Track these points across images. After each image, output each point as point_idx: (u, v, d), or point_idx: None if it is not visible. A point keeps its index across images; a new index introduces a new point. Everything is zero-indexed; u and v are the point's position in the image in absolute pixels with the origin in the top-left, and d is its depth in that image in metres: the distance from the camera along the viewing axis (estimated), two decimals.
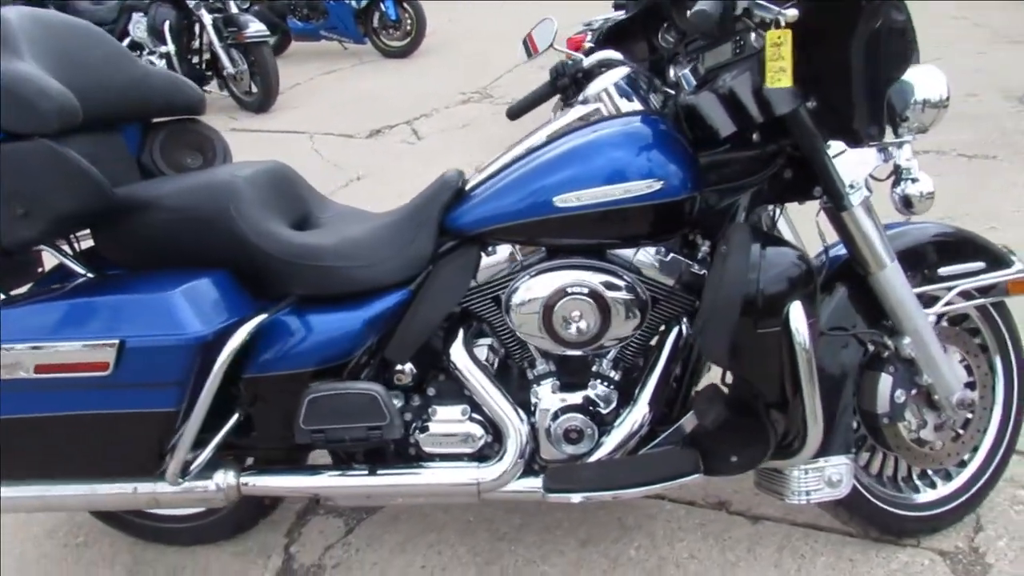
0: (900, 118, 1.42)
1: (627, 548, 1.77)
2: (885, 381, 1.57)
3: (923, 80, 1.40)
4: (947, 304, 1.60)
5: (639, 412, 1.55)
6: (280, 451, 1.69)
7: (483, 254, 1.57)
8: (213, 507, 1.71)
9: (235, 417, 1.58)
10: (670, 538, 1.78)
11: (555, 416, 1.56)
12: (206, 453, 1.54)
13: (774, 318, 1.34)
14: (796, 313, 1.33)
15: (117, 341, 1.38)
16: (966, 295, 1.65)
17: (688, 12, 1.35)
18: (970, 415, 1.66)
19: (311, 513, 1.97)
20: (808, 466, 1.53)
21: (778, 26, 1.24)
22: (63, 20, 1.67)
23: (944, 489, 1.70)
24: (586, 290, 1.47)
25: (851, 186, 1.43)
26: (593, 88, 1.59)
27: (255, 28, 5.54)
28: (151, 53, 5.65)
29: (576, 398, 1.57)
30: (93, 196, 1.44)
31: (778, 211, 1.64)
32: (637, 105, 1.58)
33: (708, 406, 1.47)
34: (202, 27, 5.64)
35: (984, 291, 1.65)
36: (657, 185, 1.42)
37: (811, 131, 1.39)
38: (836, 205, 1.45)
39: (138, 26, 5.65)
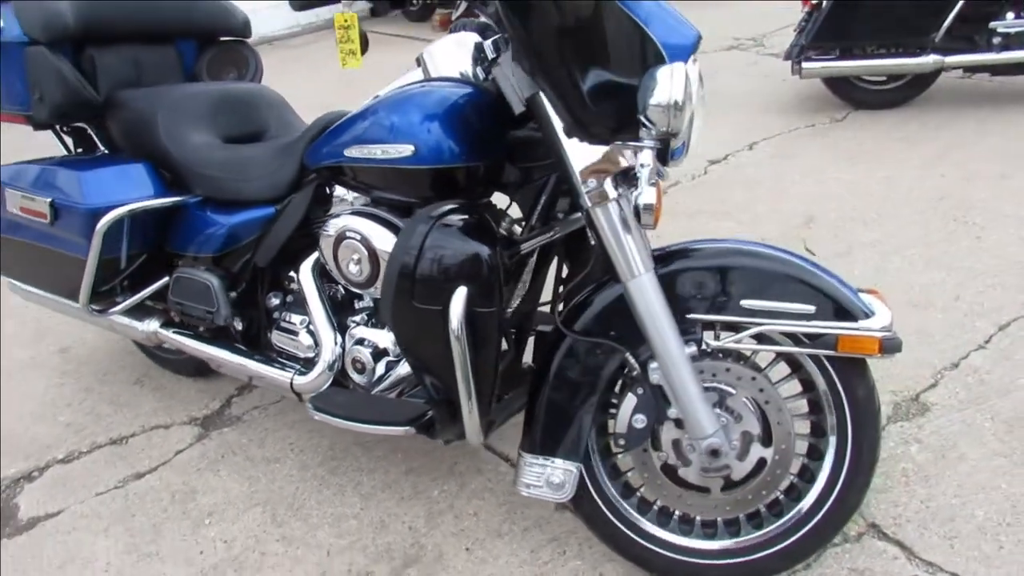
0: (642, 120, 1.27)
1: (434, 488, 1.88)
2: (629, 401, 1.45)
3: (663, 80, 1.23)
4: (745, 341, 1.40)
5: None
6: None
7: (328, 189, 1.76)
8: (145, 344, 2.20)
9: (164, 279, 2.03)
10: (474, 494, 1.85)
11: (354, 345, 1.73)
12: (130, 301, 2.02)
13: (433, 298, 1.35)
14: (457, 299, 1.34)
15: (50, 199, 1.88)
16: (796, 340, 1.41)
17: None
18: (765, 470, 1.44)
19: None
20: (534, 460, 1.50)
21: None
22: None
23: (721, 543, 1.51)
24: (359, 236, 1.59)
25: (588, 184, 1.33)
26: (425, 50, 1.63)
27: None
28: None
29: (372, 335, 1.71)
30: (75, 93, 1.93)
31: None
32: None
33: None
34: None
35: (814, 339, 1.39)
36: (408, 150, 1.47)
37: (546, 119, 1.33)
38: (574, 200, 1.36)
39: None
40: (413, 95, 1.52)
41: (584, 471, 1.51)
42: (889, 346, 1.34)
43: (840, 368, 1.41)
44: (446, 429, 1.51)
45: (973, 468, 1.76)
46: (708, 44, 5.69)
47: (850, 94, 4.01)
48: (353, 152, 1.56)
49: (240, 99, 2.06)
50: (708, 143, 3.83)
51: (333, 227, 1.64)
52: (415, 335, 1.43)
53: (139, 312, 2.07)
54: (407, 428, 1.57)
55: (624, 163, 1.31)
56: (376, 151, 1.51)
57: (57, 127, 2.16)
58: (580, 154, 1.32)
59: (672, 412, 1.42)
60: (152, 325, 2.05)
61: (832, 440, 1.45)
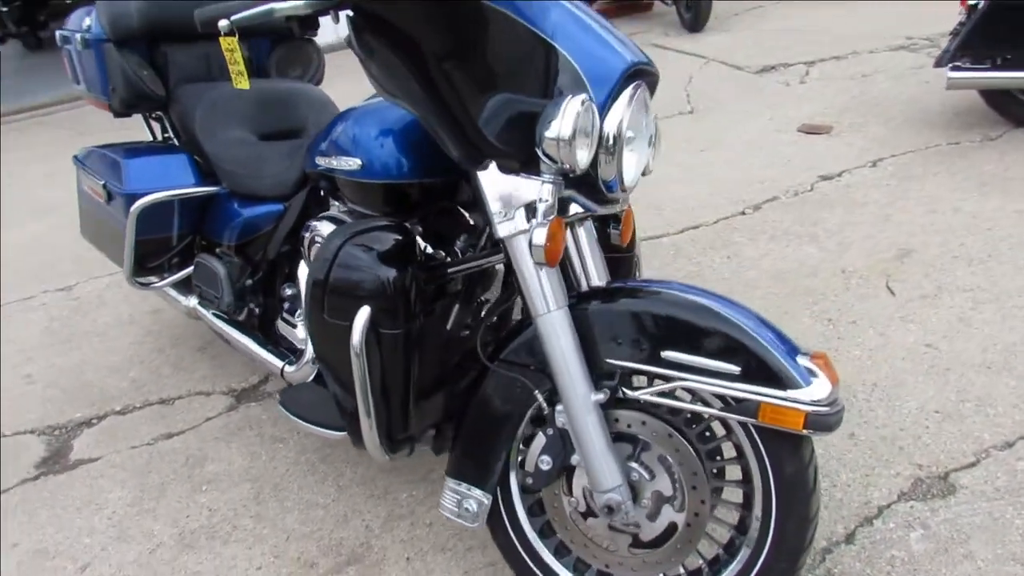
0: (539, 154, 1.20)
1: (403, 491, 1.91)
2: (539, 441, 1.39)
3: (559, 113, 1.15)
4: (679, 394, 1.30)
5: None
6: None
7: (323, 192, 1.83)
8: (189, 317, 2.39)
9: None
10: (437, 504, 1.85)
11: None
12: (166, 280, 2.22)
13: (340, 313, 1.36)
14: (360, 316, 1.34)
15: (103, 182, 2.10)
16: (725, 401, 1.28)
17: None
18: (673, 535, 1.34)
19: None
20: (454, 484, 1.49)
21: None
22: None
23: None
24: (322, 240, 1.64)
25: (499, 213, 1.28)
26: None
27: None
28: None
29: None
30: (135, 87, 2.13)
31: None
32: None
33: None
34: None
35: (738, 403, 1.26)
36: (355, 164, 1.49)
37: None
38: (491, 229, 1.32)
39: None
40: (373, 110, 1.53)
41: (502, 503, 1.47)
42: (816, 423, 1.18)
43: (767, 439, 1.27)
44: (357, 441, 1.53)
45: (977, 571, 1.51)
46: (875, 43, 5.22)
47: (1011, 110, 3.50)
48: (320, 161, 1.61)
49: (281, 97, 2.18)
50: (825, 157, 3.52)
51: (309, 230, 1.71)
52: (325, 347, 1.46)
53: (183, 288, 2.26)
54: (344, 434, 1.60)
55: (532, 197, 1.25)
56: (333, 162, 1.55)
57: (145, 115, 2.41)
58: (492, 183, 1.28)
59: (575, 459, 1.35)
60: (192, 301, 2.24)
61: (757, 516, 1.31)
